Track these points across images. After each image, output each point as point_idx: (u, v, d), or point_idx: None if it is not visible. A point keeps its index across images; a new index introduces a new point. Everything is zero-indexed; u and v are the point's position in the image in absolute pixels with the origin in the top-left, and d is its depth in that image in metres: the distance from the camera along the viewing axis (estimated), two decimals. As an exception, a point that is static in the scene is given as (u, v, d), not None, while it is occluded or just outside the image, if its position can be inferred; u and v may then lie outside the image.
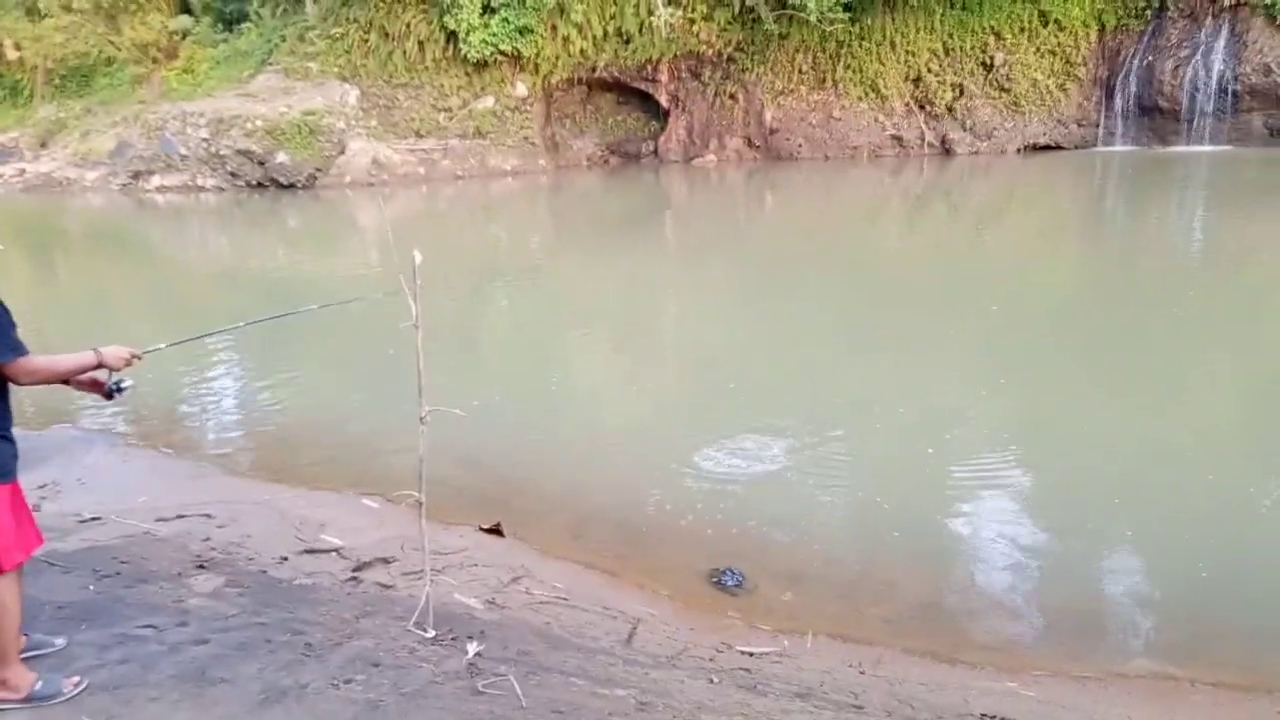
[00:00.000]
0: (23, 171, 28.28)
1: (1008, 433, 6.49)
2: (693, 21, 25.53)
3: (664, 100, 27.34)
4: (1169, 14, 22.78)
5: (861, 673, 3.74)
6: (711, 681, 3.48)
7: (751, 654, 3.84)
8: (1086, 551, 4.81)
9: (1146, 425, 6.47)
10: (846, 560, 4.81)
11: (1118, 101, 23.47)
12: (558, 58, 26.63)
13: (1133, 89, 23.17)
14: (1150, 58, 22.76)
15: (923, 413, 6.85)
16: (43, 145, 30.60)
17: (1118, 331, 8.70)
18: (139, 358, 3.26)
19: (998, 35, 24.35)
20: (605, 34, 26.31)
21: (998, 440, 6.34)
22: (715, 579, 4.59)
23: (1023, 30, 24.19)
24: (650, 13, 25.37)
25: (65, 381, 3.17)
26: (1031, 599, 4.38)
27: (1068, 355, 8.09)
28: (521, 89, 26.96)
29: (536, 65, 26.73)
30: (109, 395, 3.25)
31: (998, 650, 3.99)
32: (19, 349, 2.90)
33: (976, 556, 4.78)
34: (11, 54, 33.98)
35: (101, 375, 3.20)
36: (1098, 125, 24.03)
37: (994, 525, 5.08)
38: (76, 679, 3.10)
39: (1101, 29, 23.71)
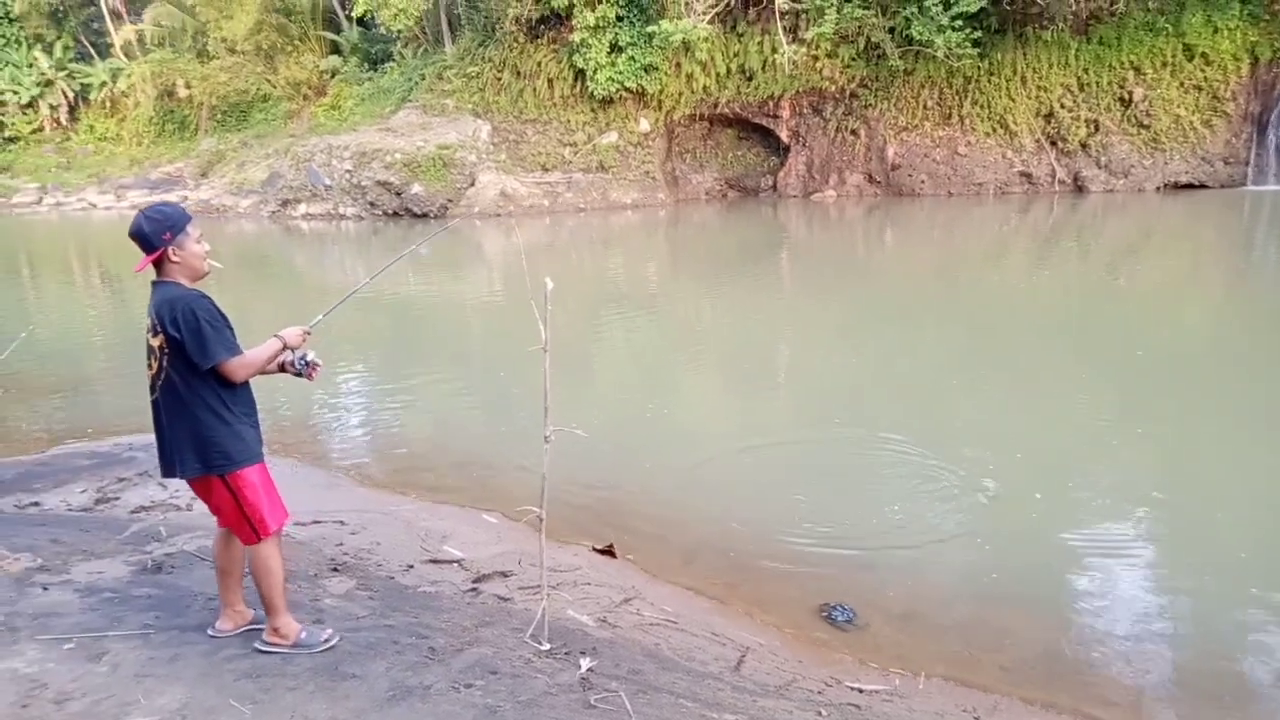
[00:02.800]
0: (185, 199, 30.70)
1: (1140, 482, 6.18)
2: (816, 58, 25.55)
3: (785, 136, 27.38)
4: (1332, 45, 21.36)
5: (976, 718, 3.64)
6: (820, 714, 3.46)
7: (861, 690, 3.80)
8: (1218, 610, 4.53)
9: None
10: (962, 603, 4.69)
11: (1271, 138, 22.05)
12: (681, 94, 27.13)
13: (1289, 125, 21.75)
14: (1310, 92, 21.35)
15: (1050, 456, 6.61)
16: (203, 175, 33.25)
17: (1268, 383, 8.17)
18: (309, 333, 3.60)
19: (1137, 70, 23.35)
20: (728, 71, 26.66)
21: (1129, 489, 6.06)
22: (825, 613, 4.56)
23: (1165, 65, 23.12)
24: (774, 50, 25.55)
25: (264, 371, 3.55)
26: (1157, 655, 4.16)
27: (1211, 406, 7.64)
28: (644, 124, 27.55)
29: (660, 101, 27.30)
30: (299, 373, 3.58)
31: (1122, 706, 3.81)
32: (234, 349, 3.28)
33: (1100, 608, 4.58)
34: (183, 92, 37.22)
35: (285, 357, 3.53)
36: (1247, 163, 22.62)
37: (1120, 577, 4.86)
38: (329, 633, 3.57)
39: (1254, 62, 22.39)
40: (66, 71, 40.36)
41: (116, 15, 41.25)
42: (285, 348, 3.50)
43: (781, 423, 7.94)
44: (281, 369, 3.57)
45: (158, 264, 3.28)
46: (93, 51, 41.69)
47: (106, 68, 39.91)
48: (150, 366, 3.28)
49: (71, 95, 40.60)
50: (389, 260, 5.35)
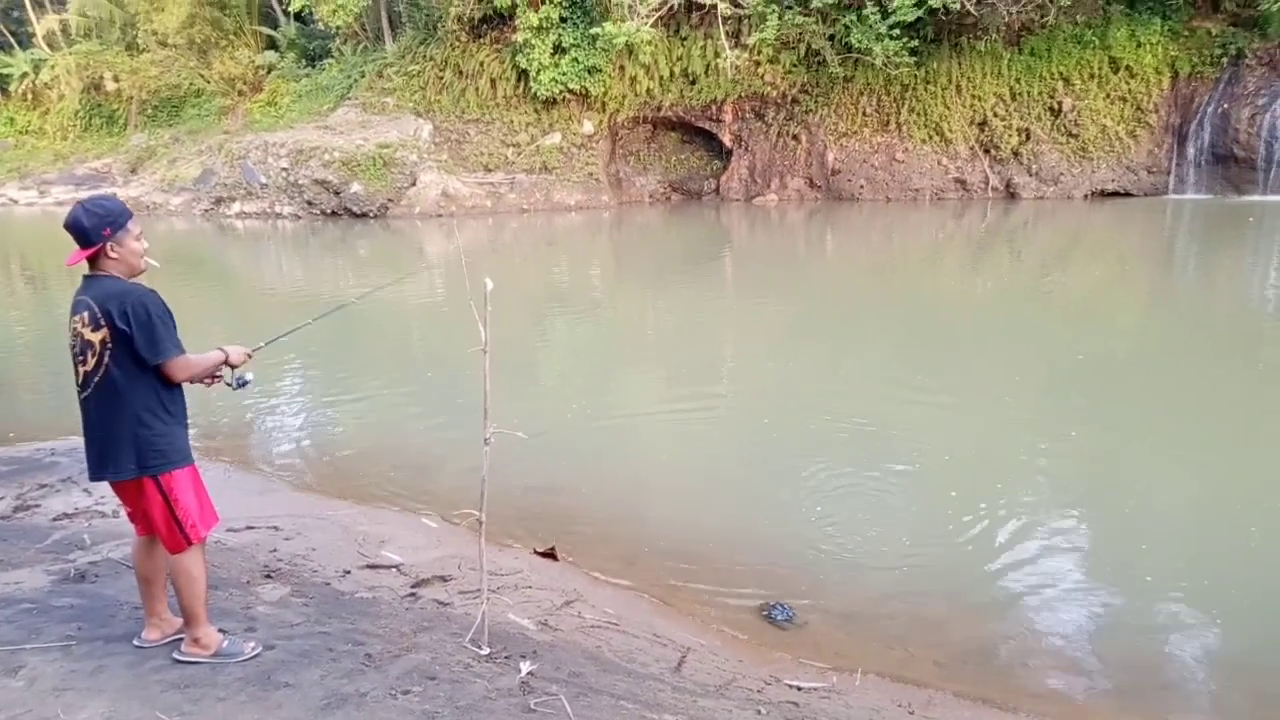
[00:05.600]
0: (114, 195, 29.67)
1: (1071, 482, 6.38)
2: (758, 63, 25.83)
3: (727, 140, 27.63)
4: (1246, 61, 22.35)
5: (911, 713, 3.72)
6: (759, 713, 3.49)
7: (800, 688, 3.85)
8: (1146, 606, 4.71)
9: (1215, 482, 6.30)
10: (898, 601, 4.78)
11: (1190, 149, 23.01)
12: (624, 97, 27.18)
13: (1207, 137, 22.70)
14: (1226, 105, 22.31)
15: (982, 457, 6.79)
16: (133, 171, 32.22)
17: (1189, 386, 8.49)
18: (250, 355, 3.55)
19: (1066, 81, 24.16)
20: (672, 74, 26.79)
21: (1060, 489, 6.25)
22: (765, 613, 4.61)
23: (1092, 76, 23.98)
24: (717, 54, 25.76)
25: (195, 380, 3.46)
26: (1087, 650, 4.30)
27: (1138, 407, 7.90)
28: (588, 126, 27.52)
29: (604, 104, 27.31)
30: (240, 386, 3.53)
31: (1051, 699, 3.93)
32: (180, 346, 3.22)
33: (1032, 605, 4.71)
34: (111, 85, 36.00)
35: (224, 372, 3.48)
36: (1169, 173, 23.57)
37: (1051, 575, 5.00)
38: (254, 644, 3.47)
39: (1175, 76, 23.35)
40: (-16, 61, 38.72)
41: (38, 4, 39.74)
42: (227, 362, 3.42)
43: (722, 424, 8.00)
44: (206, 382, 3.50)
45: (93, 259, 3.17)
46: (13, 41, 40.05)
47: (28, 58, 38.35)
48: (85, 362, 3.15)
49: (-10, 86, 38.95)
50: (333, 308, 5.26)
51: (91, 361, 3.14)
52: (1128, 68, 23.63)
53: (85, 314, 3.13)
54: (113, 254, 3.17)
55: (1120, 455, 6.84)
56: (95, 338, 3.11)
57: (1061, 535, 5.48)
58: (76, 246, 3.18)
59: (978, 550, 5.28)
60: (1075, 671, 4.14)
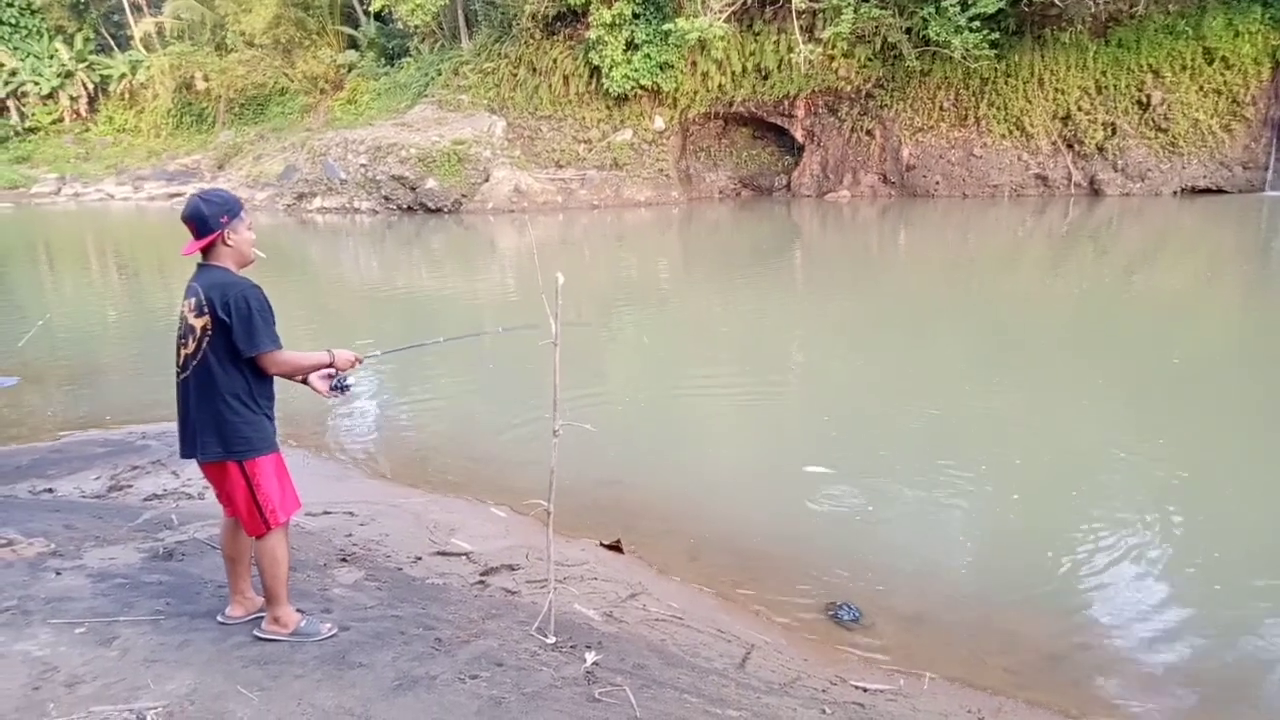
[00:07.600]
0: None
1: (1151, 489, 6.14)
2: (832, 58, 25.48)
3: (799, 135, 27.33)
4: (1355, 51, 21.16)
5: (980, 719, 3.64)
6: (824, 712, 3.47)
7: (866, 689, 3.80)
8: (1225, 617, 4.51)
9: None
10: (968, 605, 4.68)
11: (1291, 143, 21.88)
12: (696, 93, 27.13)
13: (1310, 131, 21.56)
14: (1331, 98, 21.15)
15: (1062, 462, 6.58)
16: (220, 167, 33.50)
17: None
18: (361, 361, 3.66)
19: (1156, 73, 23.18)
20: (744, 69, 26.63)
21: (1139, 496, 6.02)
22: (831, 612, 4.56)
23: (1184, 68, 22.94)
24: (790, 49, 25.50)
25: (300, 380, 3.56)
26: (1164, 661, 4.14)
27: (1224, 416, 7.56)
28: (659, 122, 27.55)
29: (675, 99, 27.30)
30: (338, 390, 3.60)
31: (1128, 712, 3.80)
32: (278, 341, 3.34)
33: (1106, 613, 4.56)
34: (201, 85, 37.53)
35: (324, 373, 3.56)
36: (1267, 168, 22.41)
37: (1127, 583, 4.84)
38: (330, 625, 3.62)
39: (1276, 66, 22.19)
40: (87, 63, 40.75)
41: (136, 8, 41.60)
42: (330, 365, 3.53)
43: (791, 421, 7.94)
44: (304, 381, 3.57)
45: (208, 249, 3.33)
46: (112, 43, 42.06)
47: (126, 60, 40.27)
48: (186, 345, 3.31)
49: (91, 87, 40.98)
50: (466, 332, 5.31)
51: (191, 345, 3.29)
52: (1223, 58, 22.54)
53: (193, 300, 3.28)
54: (229, 242, 3.33)
55: (1208, 464, 6.56)
56: (198, 324, 3.26)
57: (1139, 542, 5.28)
58: (190, 238, 3.33)
59: (1049, 555, 5.13)
60: (1151, 683, 4.00)
